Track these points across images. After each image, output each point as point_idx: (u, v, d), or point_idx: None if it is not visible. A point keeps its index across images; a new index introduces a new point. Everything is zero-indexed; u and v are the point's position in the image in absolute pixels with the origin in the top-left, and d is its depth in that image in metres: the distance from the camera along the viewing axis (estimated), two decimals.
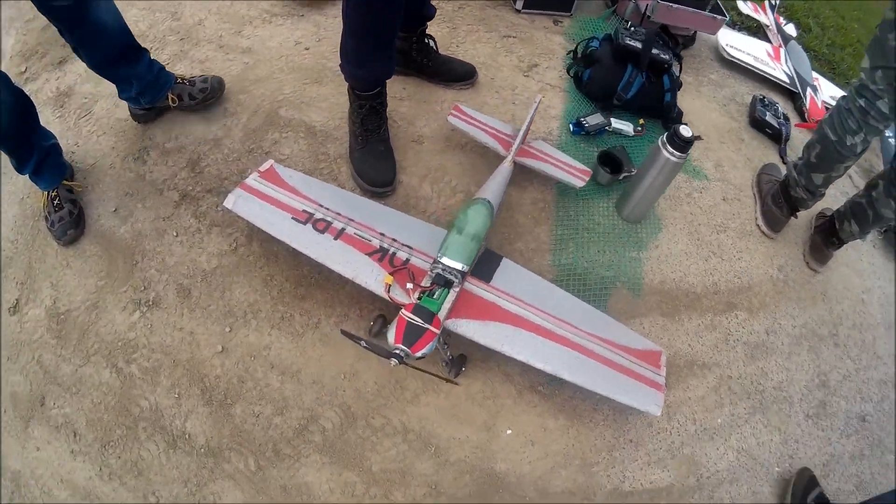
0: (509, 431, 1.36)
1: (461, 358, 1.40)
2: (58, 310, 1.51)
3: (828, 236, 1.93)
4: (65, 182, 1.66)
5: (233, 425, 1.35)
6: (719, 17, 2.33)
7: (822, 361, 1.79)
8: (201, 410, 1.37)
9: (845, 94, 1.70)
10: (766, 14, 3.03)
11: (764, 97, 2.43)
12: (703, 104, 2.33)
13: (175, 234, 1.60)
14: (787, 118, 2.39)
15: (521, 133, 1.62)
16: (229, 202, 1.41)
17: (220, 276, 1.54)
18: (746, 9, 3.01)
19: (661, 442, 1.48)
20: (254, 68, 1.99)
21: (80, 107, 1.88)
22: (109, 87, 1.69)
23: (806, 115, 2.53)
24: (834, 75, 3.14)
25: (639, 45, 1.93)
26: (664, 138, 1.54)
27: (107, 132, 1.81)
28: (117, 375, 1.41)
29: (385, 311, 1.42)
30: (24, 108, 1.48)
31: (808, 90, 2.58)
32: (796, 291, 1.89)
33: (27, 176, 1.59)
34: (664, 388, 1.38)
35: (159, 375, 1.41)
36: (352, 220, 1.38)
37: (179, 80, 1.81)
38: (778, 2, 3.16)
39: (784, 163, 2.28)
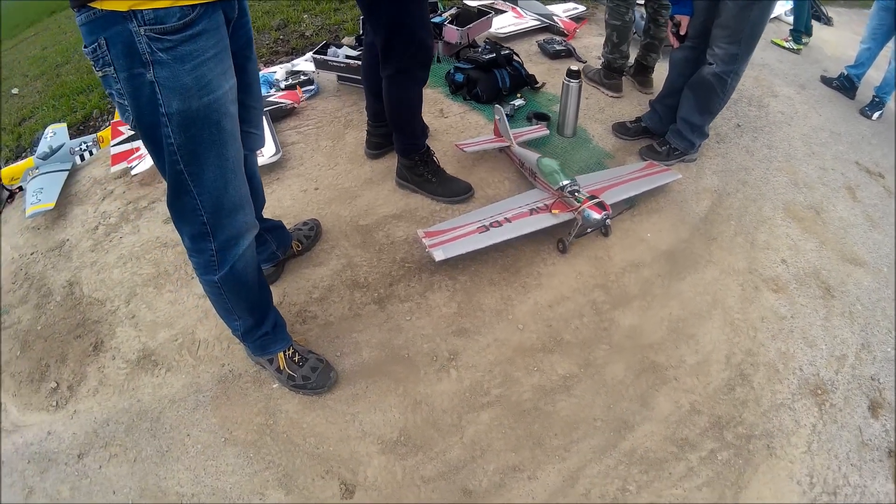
0: (649, 235, 2.39)
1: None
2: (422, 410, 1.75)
3: (644, 73, 3.30)
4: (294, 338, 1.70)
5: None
6: (491, 14, 3.60)
7: None
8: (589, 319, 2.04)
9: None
10: None
11: (542, 40, 3.77)
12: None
13: (408, 318, 1.99)
14: (563, 41, 3.75)
15: (509, 130, 2.63)
16: (439, 256, 1.99)
17: (468, 306, 2.02)
18: (473, 2, 4.24)
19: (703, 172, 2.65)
20: (300, 216, 2.37)
21: (182, 344, 1.95)
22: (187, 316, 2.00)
23: (564, 31, 3.94)
24: None
25: (494, 55, 3.07)
26: (566, 77, 2.68)
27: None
28: None
29: (559, 237, 2.24)
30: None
31: (554, 17, 4.01)
32: None
33: (253, 344, 1.55)
34: (672, 168, 2.60)
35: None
36: (501, 213, 2.24)
37: (289, 228, 2.07)
38: None
39: (584, 63, 3.62)
